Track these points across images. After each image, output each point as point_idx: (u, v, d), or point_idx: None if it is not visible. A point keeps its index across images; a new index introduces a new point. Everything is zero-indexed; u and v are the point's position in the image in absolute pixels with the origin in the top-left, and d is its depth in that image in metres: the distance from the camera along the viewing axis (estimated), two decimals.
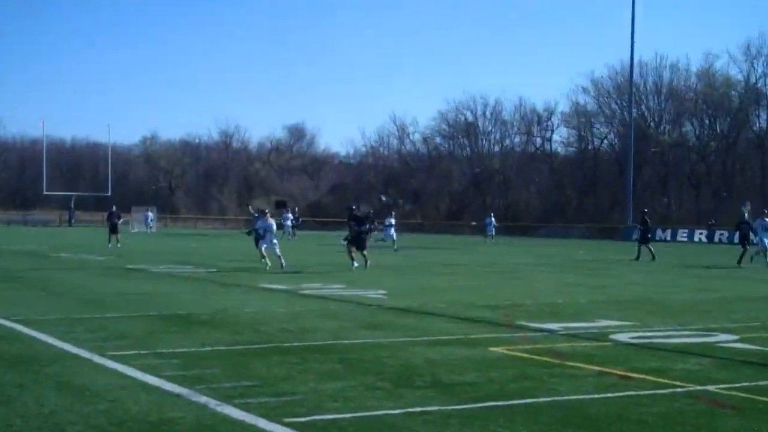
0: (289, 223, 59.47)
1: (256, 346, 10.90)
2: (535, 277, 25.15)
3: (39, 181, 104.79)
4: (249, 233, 28.20)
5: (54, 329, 12.03)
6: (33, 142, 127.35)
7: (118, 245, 40.76)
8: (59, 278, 21.85)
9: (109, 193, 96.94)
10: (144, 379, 8.58)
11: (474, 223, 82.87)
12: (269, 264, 25.56)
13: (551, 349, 10.87)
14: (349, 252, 25.85)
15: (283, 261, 25.78)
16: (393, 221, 43.52)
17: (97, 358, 9.73)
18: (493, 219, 60.25)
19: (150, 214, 79.13)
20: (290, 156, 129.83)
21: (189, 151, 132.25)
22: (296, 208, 65.46)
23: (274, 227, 26.82)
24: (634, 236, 64.29)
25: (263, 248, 26.49)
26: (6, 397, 7.70)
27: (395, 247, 41.20)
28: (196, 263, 28.44)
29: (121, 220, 45.27)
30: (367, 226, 26.60)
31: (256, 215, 30.81)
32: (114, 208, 45.31)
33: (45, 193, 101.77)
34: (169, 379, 8.56)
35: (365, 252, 26.03)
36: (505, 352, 10.65)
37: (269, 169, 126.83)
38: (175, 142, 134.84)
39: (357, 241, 25.97)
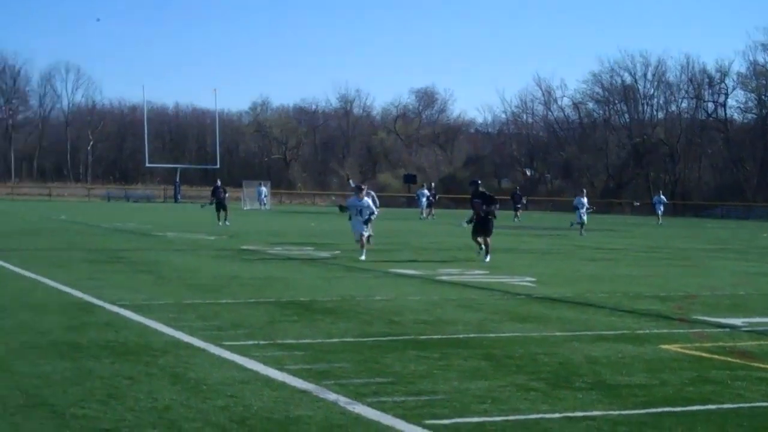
0: (424, 200, 59.50)
1: (389, 338, 10.99)
2: (711, 264, 24.63)
3: (140, 152, 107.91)
4: (342, 209, 26.27)
5: (164, 316, 12.37)
6: (132, 109, 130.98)
7: (227, 223, 41.65)
8: (166, 260, 22.45)
9: (217, 166, 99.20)
10: (266, 372, 8.73)
11: (637, 204, 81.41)
12: (363, 257, 23.25)
13: (734, 348, 10.63)
14: (475, 237, 24.08)
15: (365, 249, 23.70)
16: (585, 200, 42.19)
17: (212, 349, 9.96)
18: (663, 197, 59.59)
19: (263, 189, 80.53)
20: (419, 124, 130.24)
21: (305, 118, 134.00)
22: (432, 184, 65.06)
23: (374, 209, 24.78)
24: None
25: (358, 233, 24.14)
26: (115, 389, 7.94)
27: (581, 232, 40.64)
28: (317, 244, 28.81)
29: (227, 194, 46.14)
30: (496, 206, 24.31)
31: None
32: (219, 182, 46.27)
33: (147, 165, 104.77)
34: (294, 373, 8.70)
35: (489, 239, 23.94)
36: (679, 350, 10.47)
37: (395, 139, 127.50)
38: (289, 109, 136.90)
39: (481, 225, 24.01)
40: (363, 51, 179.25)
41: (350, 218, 24.93)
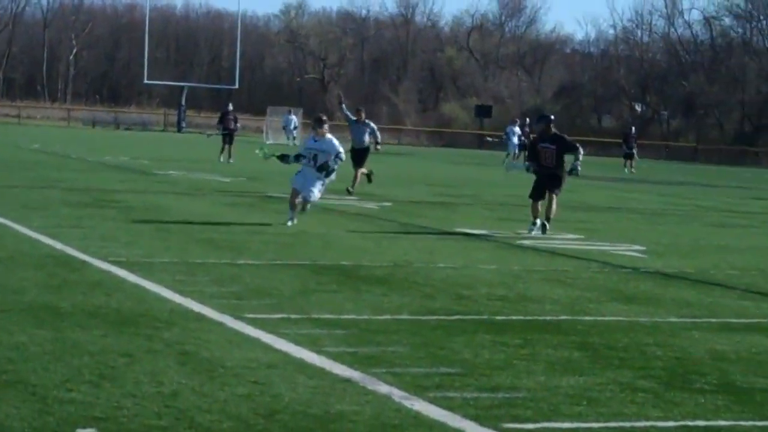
0: (515, 141, 58.31)
1: (457, 317, 11.08)
2: None
3: (137, 64, 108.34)
4: (283, 160, 21.61)
5: (168, 277, 12.54)
6: (130, 7, 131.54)
7: (231, 160, 41.85)
8: (169, 205, 22.66)
9: (236, 85, 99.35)
10: (299, 355, 8.86)
11: None
12: (294, 221, 19.63)
13: None
14: (536, 202, 20.61)
15: (295, 214, 19.83)
16: None
17: (230, 322, 10.11)
18: None
19: (293, 118, 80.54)
20: (500, 40, 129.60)
21: (351, 27, 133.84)
22: (527, 120, 63.39)
23: (341, 152, 20.12)
24: None
25: (300, 191, 19.90)
26: (110, 369, 8.08)
27: None
28: (363, 193, 28.90)
29: (239, 124, 46.39)
30: (579, 156, 20.97)
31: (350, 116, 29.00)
32: (230, 106, 46.49)
33: (146, 82, 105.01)
34: (334, 357, 8.82)
35: (556, 195, 20.61)
36: None
37: (467, 58, 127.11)
38: (331, 14, 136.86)
39: (548, 179, 20.49)
40: None
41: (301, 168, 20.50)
